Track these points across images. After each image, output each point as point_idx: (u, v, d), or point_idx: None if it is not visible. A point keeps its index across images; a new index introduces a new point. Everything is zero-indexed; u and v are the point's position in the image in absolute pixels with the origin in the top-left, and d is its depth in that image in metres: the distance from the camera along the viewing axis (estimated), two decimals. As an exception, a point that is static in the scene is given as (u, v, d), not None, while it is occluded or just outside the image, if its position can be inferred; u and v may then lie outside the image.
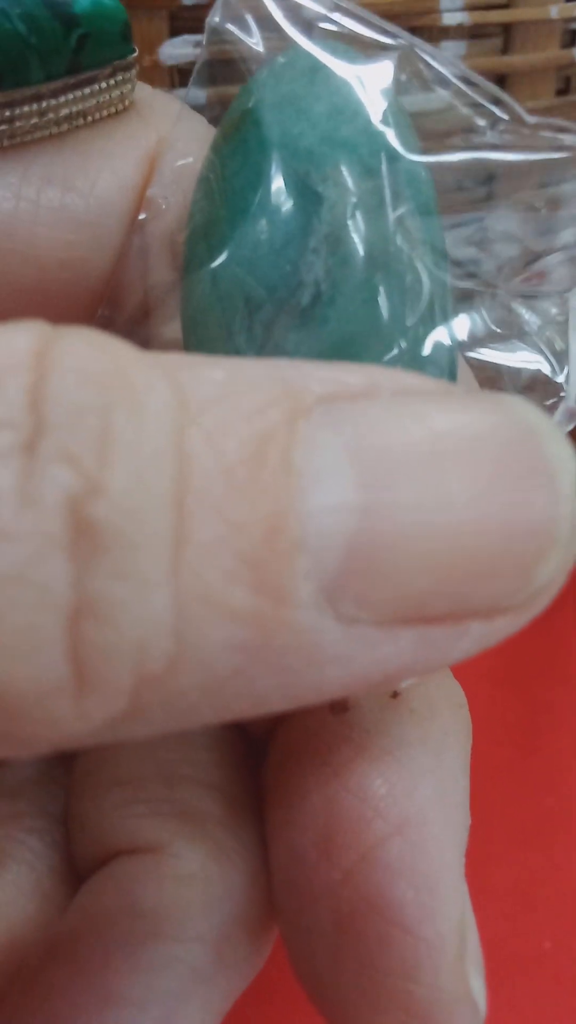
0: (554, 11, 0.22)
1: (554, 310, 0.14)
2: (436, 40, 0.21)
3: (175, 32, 0.19)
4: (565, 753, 0.31)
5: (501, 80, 0.22)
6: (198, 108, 0.16)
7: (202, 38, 0.19)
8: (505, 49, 0.22)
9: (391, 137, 0.13)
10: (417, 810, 0.13)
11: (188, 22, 0.19)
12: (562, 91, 0.23)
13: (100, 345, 0.10)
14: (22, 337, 0.09)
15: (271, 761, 0.16)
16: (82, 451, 0.09)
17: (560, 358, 0.14)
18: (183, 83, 0.20)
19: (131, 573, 0.09)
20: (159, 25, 0.19)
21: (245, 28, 0.14)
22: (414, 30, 0.21)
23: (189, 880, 0.15)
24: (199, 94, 0.16)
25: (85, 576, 0.09)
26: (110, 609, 0.09)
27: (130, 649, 0.09)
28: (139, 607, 0.09)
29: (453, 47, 0.21)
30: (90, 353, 0.10)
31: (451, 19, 0.21)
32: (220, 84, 0.15)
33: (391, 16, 0.20)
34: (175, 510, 0.09)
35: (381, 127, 0.13)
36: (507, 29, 0.22)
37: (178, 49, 0.20)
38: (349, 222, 0.12)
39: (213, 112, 0.16)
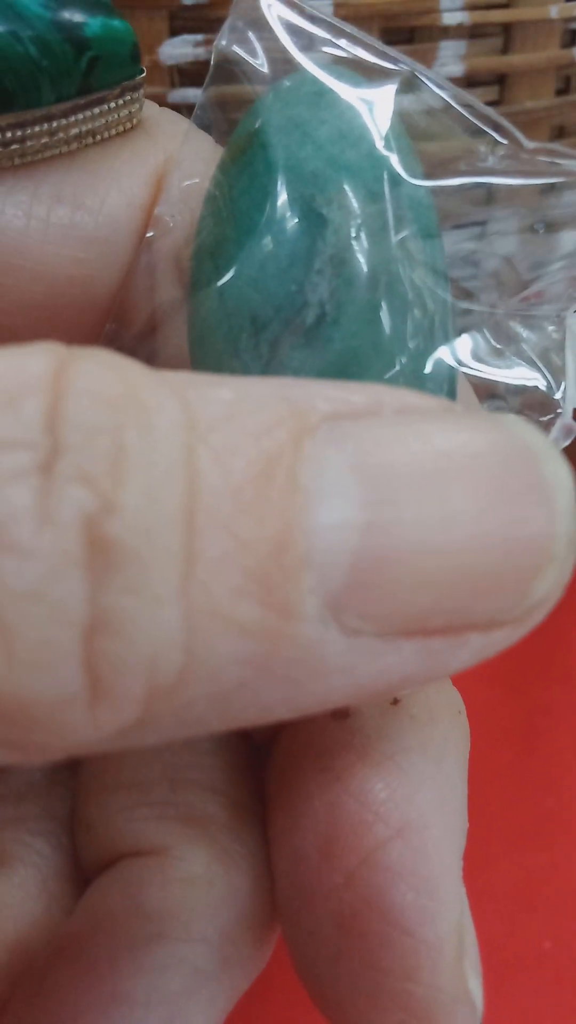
0: (554, 11, 0.22)
1: (551, 328, 0.14)
2: (436, 40, 0.21)
3: (175, 32, 0.20)
4: (565, 754, 0.31)
5: (501, 80, 0.22)
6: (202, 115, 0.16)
7: (202, 38, 0.19)
8: (505, 49, 0.22)
9: (394, 162, 0.13)
10: (417, 814, 0.14)
11: (188, 22, 0.20)
12: (562, 91, 0.23)
13: (112, 366, 0.10)
14: (38, 360, 0.10)
15: (274, 766, 0.16)
16: (97, 471, 0.09)
17: (557, 376, 0.14)
18: (183, 83, 0.20)
19: (143, 589, 0.09)
20: (159, 25, 0.20)
21: (251, 51, 0.15)
22: (414, 30, 0.21)
23: (193, 882, 0.15)
24: (204, 112, 0.16)
25: (100, 592, 0.09)
26: (123, 624, 0.09)
27: (142, 662, 0.09)
28: (151, 622, 0.09)
29: (453, 47, 0.21)
30: (103, 374, 0.10)
31: (451, 19, 0.21)
32: (228, 109, 0.15)
33: (391, 16, 0.20)
34: (185, 528, 0.09)
35: (384, 152, 0.13)
36: (507, 29, 0.22)
37: (178, 49, 0.20)
38: (353, 244, 0.13)
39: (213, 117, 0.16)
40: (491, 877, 0.28)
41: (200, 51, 0.20)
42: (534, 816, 0.29)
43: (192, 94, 0.20)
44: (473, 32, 0.22)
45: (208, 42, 0.20)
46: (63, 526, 0.09)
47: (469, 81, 0.22)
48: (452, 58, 0.21)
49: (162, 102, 0.20)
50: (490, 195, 0.14)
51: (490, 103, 0.22)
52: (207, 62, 0.19)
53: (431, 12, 0.21)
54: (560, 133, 0.24)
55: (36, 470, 0.09)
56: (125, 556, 0.09)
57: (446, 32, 0.21)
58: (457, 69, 0.22)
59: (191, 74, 0.20)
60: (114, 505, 0.09)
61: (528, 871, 0.28)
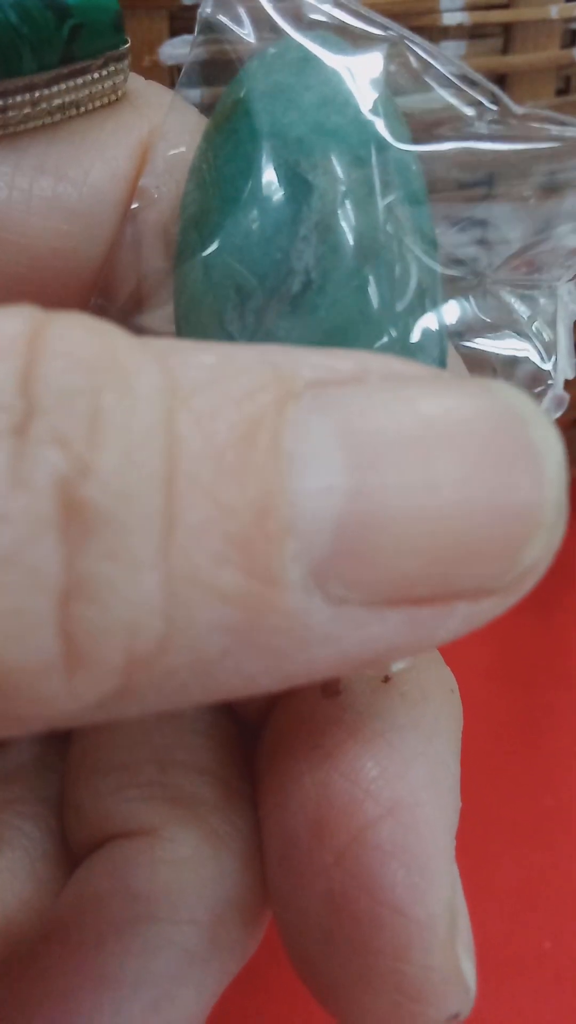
0: (554, 11, 0.22)
1: (543, 300, 0.14)
2: (436, 40, 0.21)
3: (175, 32, 0.20)
4: (565, 753, 0.31)
5: (501, 80, 0.22)
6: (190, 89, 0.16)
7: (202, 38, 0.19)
8: (505, 49, 0.22)
9: (380, 127, 0.13)
10: (408, 792, 0.14)
11: (188, 22, 0.19)
12: (562, 91, 0.23)
13: (91, 329, 0.10)
14: (13, 322, 0.10)
15: (264, 745, 0.16)
16: (72, 433, 0.09)
17: (548, 347, 0.14)
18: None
19: (121, 554, 0.09)
20: (159, 25, 0.20)
21: (236, 19, 0.15)
22: (414, 30, 0.20)
23: (182, 863, 0.15)
24: (193, 90, 0.16)
25: (76, 557, 0.09)
26: (101, 590, 0.09)
27: (120, 629, 0.09)
28: (129, 588, 0.09)
29: (453, 47, 0.21)
30: (81, 337, 0.10)
31: (451, 19, 0.21)
32: (213, 82, 0.15)
33: (391, 16, 0.20)
34: (165, 492, 0.09)
35: (371, 117, 0.13)
36: (507, 29, 0.22)
37: (178, 49, 0.20)
38: (339, 210, 0.13)
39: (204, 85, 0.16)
40: (491, 877, 0.28)
41: (200, 51, 0.20)
42: (534, 815, 0.29)
43: (192, 94, 0.20)
44: (473, 32, 0.21)
45: (208, 42, 0.20)
46: (37, 489, 0.09)
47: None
48: (452, 58, 0.21)
49: None
50: (479, 162, 0.14)
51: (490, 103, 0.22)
52: (207, 62, 0.19)
53: (431, 12, 0.21)
54: None
55: (9, 432, 0.09)
56: (101, 520, 0.09)
57: (446, 32, 0.21)
58: None
59: (191, 74, 0.20)
60: (90, 467, 0.09)
61: (528, 871, 0.28)
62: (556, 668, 0.33)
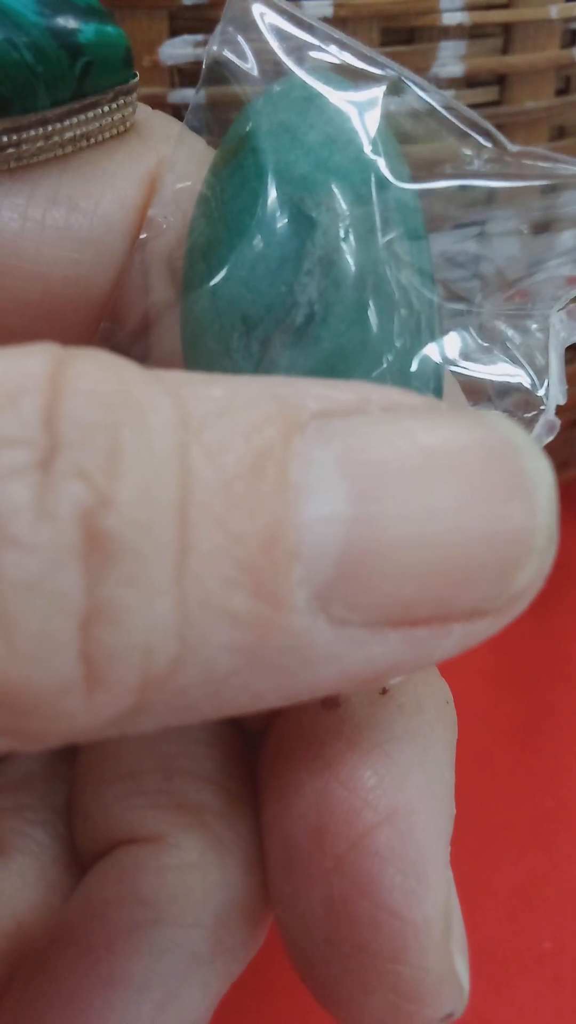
0: (554, 11, 0.22)
1: (535, 327, 0.14)
2: (436, 40, 0.21)
3: (175, 32, 0.20)
4: (565, 754, 0.31)
5: (501, 80, 0.22)
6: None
7: (202, 38, 0.19)
8: (505, 49, 0.22)
9: (381, 165, 0.14)
10: (405, 800, 0.14)
11: (188, 22, 0.20)
12: (562, 91, 0.23)
13: (108, 366, 0.10)
14: (36, 360, 0.10)
15: (266, 755, 0.16)
16: (93, 467, 0.10)
17: (541, 373, 0.15)
18: (183, 83, 0.20)
19: (138, 580, 0.10)
20: (159, 25, 0.20)
21: (242, 56, 0.15)
22: (414, 30, 0.21)
23: (188, 869, 0.15)
24: (198, 113, 0.17)
25: (96, 583, 0.09)
26: (119, 614, 0.10)
27: (137, 651, 0.10)
28: (146, 612, 0.10)
29: (453, 47, 0.21)
30: (99, 374, 0.10)
31: (451, 19, 0.21)
32: (220, 116, 0.16)
33: (391, 16, 0.20)
34: (179, 521, 0.10)
35: (372, 156, 0.14)
36: (507, 29, 0.22)
37: (178, 49, 0.20)
38: (341, 246, 0.13)
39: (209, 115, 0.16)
40: (491, 877, 0.28)
41: (200, 51, 0.20)
42: (534, 816, 0.30)
43: (192, 94, 0.20)
44: (473, 32, 0.22)
45: (208, 42, 0.20)
46: (61, 520, 0.09)
47: (469, 81, 0.22)
48: (452, 58, 0.22)
49: (162, 102, 0.20)
50: (475, 199, 0.14)
51: (490, 103, 0.22)
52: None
53: (431, 12, 0.21)
54: (560, 133, 0.24)
55: (35, 466, 0.09)
56: (121, 548, 0.10)
57: (446, 32, 0.21)
58: (457, 69, 0.22)
59: (191, 74, 0.20)
60: (110, 499, 0.10)
61: (528, 871, 0.28)
62: (556, 668, 0.34)
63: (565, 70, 0.23)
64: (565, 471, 0.34)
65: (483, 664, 0.33)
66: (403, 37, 0.21)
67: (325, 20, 0.20)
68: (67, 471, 0.10)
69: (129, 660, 0.10)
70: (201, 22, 0.20)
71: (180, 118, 0.20)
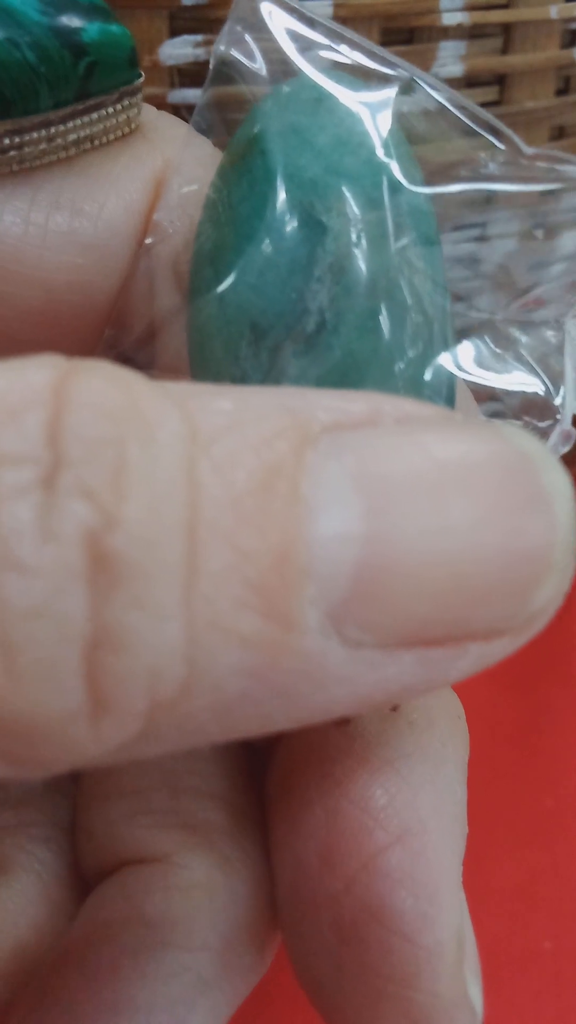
0: (554, 11, 0.22)
1: (550, 333, 0.14)
2: (436, 40, 0.21)
3: (175, 32, 0.20)
4: (565, 754, 0.31)
5: (501, 80, 0.22)
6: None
7: (202, 38, 0.19)
8: (505, 49, 0.22)
9: (394, 168, 0.13)
10: (417, 820, 0.14)
11: (188, 22, 0.20)
12: (562, 91, 0.23)
13: (113, 379, 0.10)
14: (39, 372, 0.10)
15: (274, 771, 0.16)
16: (99, 485, 0.09)
17: (556, 381, 0.14)
18: (183, 83, 0.20)
19: (146, 603, 0.09)
20: (159, 25, 0.20)
21: (249, 55, 0.15)
22: (414, 30, 0.21)
23: (195, 889, 0.15)
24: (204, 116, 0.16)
25: (102, 607, 0.09)
26: (126, 638, 0.09)
27: (145, 675, 0.09)
28: (154, 635, 0.09)
29: (453, 47, 0.21)
30: (104, 387, 0.10)
31: (451, 19, 0.21)
32: (227, 116, 0.15)
33: (391, 16, 0.20)
34: (187, 540, 0.09)
35: (384, 158, 0.13)
36: (507, 29, 0.22)
37: (178, 49, 0.20)
38: (353, 252, 0.13)
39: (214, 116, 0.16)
40: (491, 877, 0.28)
41: (200, 51, 0.20)
42: (534, 816, 0.29)
43: (192, 94, 0.20)
44: (473, 32, 0.21)
45: (208, 42, 0.20)
46: (65, 541, 0.09)
47: (469, 81, 0.22)
48: (452, 58, 0.21)
49: (162, 102, 0.20)
50: (488, 199, 0.14)
51: (490, 103, 0.22)
52: (207, 62, 0.19)
53: (431, 12, 0.21)
54: (560, 133, 0.24)
55: (38, 485, 0.09)
56: (127, 570, 0.09)
57: (446, 32, 0.21)
58: (457, 69, 0.22)
59: (191, 74, 0.20)
60: (116, 519, 0.09)
61: (528, 871, 0.28)
62: (556, 668, 0.33)
63: (565, 70, 0.23)
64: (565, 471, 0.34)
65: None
66: (403, 37, 0.21)
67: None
68: (71, 489, 0.09)
69: (136, 685, 0.09)
70: (201, 22, 0.20)
71: (180, 118, 0.20)
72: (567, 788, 0.30)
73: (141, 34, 0.19)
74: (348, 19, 0.20)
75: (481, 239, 0.15)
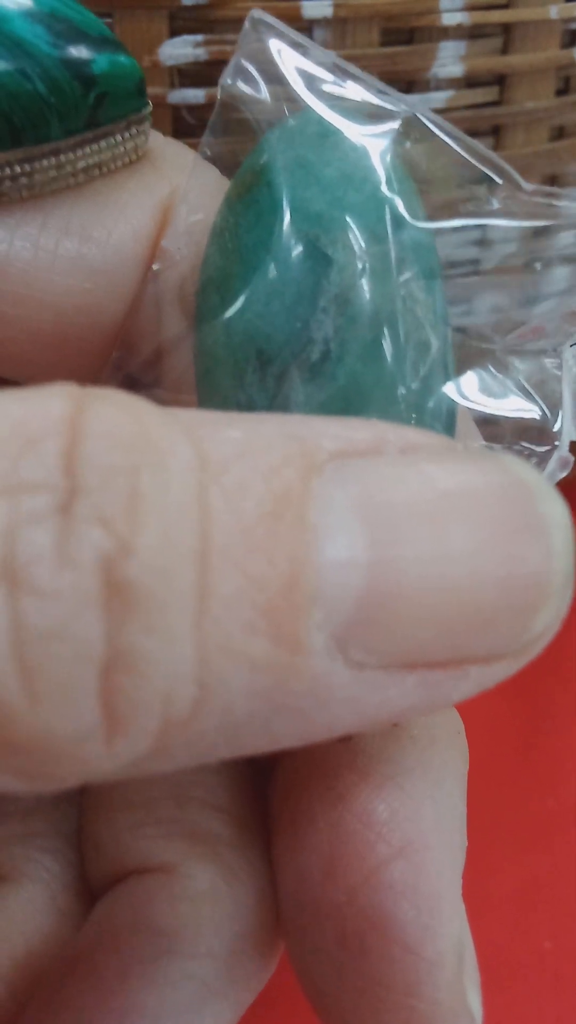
0: (554, 11, 0.22)
1: (548, 362, 0.15)
2: (436, 40, 0.21)
3: (175, 32, 0.20)
4: (565, 754, 0.31)
5: (501, 80, 0.22)
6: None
7: (202, 38, 0.19)
8: (505, 49, 0.22)
9: (397, 204, 0.14)
10: (418, 834, 0.14)
11: (188, 22, 0.20)
12: (562, 91, 0.23)
13: (125, 407, 0.10)
14: (54, 403, 0.10)
15: (278, 785, 0.16)
16: (113, 513, 0.10)
17: (554, 408, 0.15)
18: (183, 83, 0.20)
19: (159, 627, 0.10)
20: (159, 25, 0.20)
21: (256, 88, 0.15)
22: (414, 30, 0.21)
23: (200, 899, 0.16)
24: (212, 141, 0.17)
25: (117, 631, 0.09)
26: (140, 661, 0.10)
27: (157, 697, 0.10)
28: (166, 658, 0.10)
29: (453, 47, 0.21)
30: (117, 416, 0.10)
31: (451, 19, 0.21)
32: (234, 141, 0.16)
33: (391, 16, 0.20)
34: (199, 567, 0.10)
35: (387, 193, 0.14)
36: (507, 29, 0.22)
37: (178, 49, 0.20)
38: (357, 284, 0.13)
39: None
40: (492, 878, 0.28)
41: (200, 51, 0.20)
42: (535, 817, 0.29)
43: (192, 94, 0.20)
44: (473, 32, 0.21)
45: (208, 42, 0.20)
46: (82, 567, 0.09)
47: (469, 81, 0.22)
48: (452, 58, 0.21)
49: (162, 102, 0.20)
50: (485, 235, 0.14)
51: (490, 103, 0.22)
52: (207, 62, 0.19)
53: (431, 12, 0.21)
54: (560, 133, 0.24)
55: (55, 512, 0.10)
56: (141, 596, 0.10)
57: (446, 32, 0.21)
58: (457, 69, 0.22)
59: (191, 74, 0.20)
60: (130, 546, 0.10)
61: (528, 872, 0.28)
62: (556, 668, 0.34)
63: (565, 70, 0.23)
64: (565, 471, 0.34)
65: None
66: (403, 37, 0.21)
67: (325, 20, 0.20)
68: (88, 516, 0.10)
69: (149, 706, 0.10)
70: (201, 22, 0.20)
71: (180, 118, 0.20)
72: (568, 790, 0.30)
73: (141, 34, 0.20)
74: (348, 19, 0.20)
75: (486, 275, 0.15)
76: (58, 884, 0.17)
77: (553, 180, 0.24)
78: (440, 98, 0.22)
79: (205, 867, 0.16)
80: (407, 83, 0.21)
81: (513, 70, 0.22)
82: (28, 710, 0.09)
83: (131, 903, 0.16)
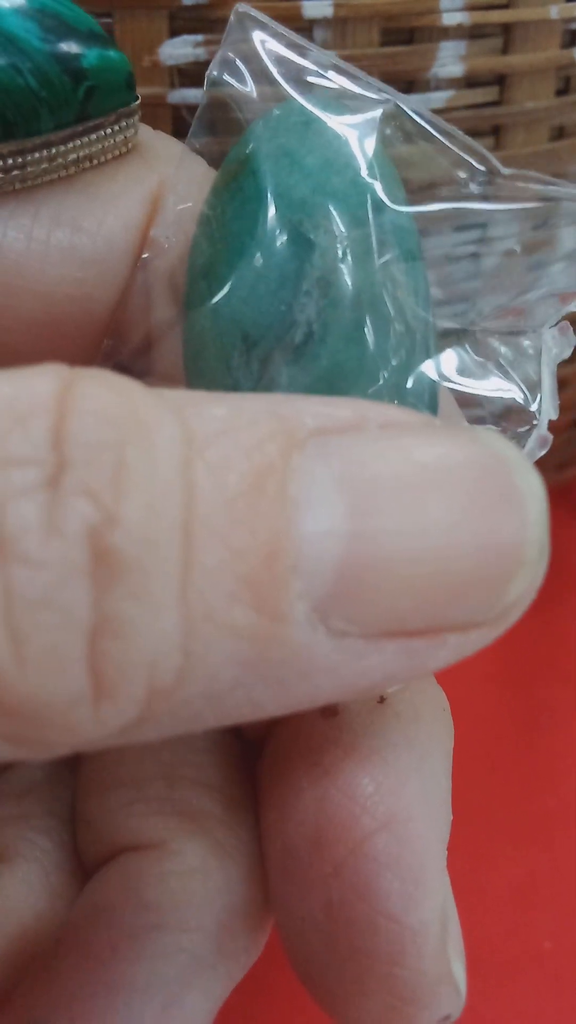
0: (554, 11, 0.22)
1: (527, 343, 0.15)
2: (436, 40, 0.21)
3: (175, 32, 0.20)
4: (565, 753, 0.31)
5: (501, 80, 0.22)
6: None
7: (202, 38, 0.20)
8: (505, 49, 0.22)
9: (378, 189, 0.14)
10: (403, 807, 0.14)
11: (188, 22, 0.20)
12: (562, 91, 0.23)
13: (113, 386, 0.11)
14: (44, 381, 0.11)
15: (266, 762, 0.17)
16: (100, 485, 0.10)
17: (533, 389, 0.15)
18: (183, 83, 0.20)
19: (144, 595, 0.10)
20: (159, 25, 0.20)
21: (241, 80, 0.15)
22: (414, 30, 0.21)
23: (190, 874, 0.16)
24: (200, 134, 0.17)
25: (104, 598, 0.10)
26: (126, 627, 0.10)
27: (144, 663, 0.10)
28: (151, 626, 0.10)
29: (453, 47, 0.21)
30: (105, 394, 0.11)
31: (451, 19, 0.21)
32: (220, 133, 0.16)
33: (391, 16, 0.20)
34: (183, 538, 0.10)
35: (368, 179, 0.14)
36: (507, 29, 0.22)
37: (178, 49, 0.20)
38: (339, 267, 0.14)
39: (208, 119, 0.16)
40: (491, 877, 0.28)
41: (200, 51, 0.20)
42: (535, 816, 0.30)
43: (192, 94, 0.20)
44: (473, 32, 0.22)
45: (208, 42, 0.20)
46: (69, 537, 0.10)
47: (469, 81, 0.22)
48: (452, 58, 0.21)
49: (162, 102, 0.20)
50: (470, 221, 0.15)
51: (490, 103, 0.22)
52: (207, 62, 0.19)
53: (431, 12, 0.21)
54: (560, 133, 0.24)
55: (43, 485, 0.10)
56: (127, 565, 0.10)
57: (446, 32, 0.21)
58: (457, 69, 0.22)
59: (191, 74, 0.20)
60: (116, 517, 0.10)
61: (528, 871, 0.28)
62: (556, 668, 0.34)
63: (565, 70, 0.23)
64: (565, 471, 0.34)
65: (483, 664, 0.34)
66: (403, 37, 0.21)
67: (325, 20, 0.20)
68: (74, 489, 0.10)
69: (135, 672, 0.10)
70: (201, 22, 0.20)
71: (180, 118, 0.20)
72: (568, 787, 0.30)
73: (141, 34, 0.20)
74: (348, 19, 0.20)
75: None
76: (52, 863, 0.17)
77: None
78: (440, 98, 0.22)
79: (195, 844, 0.16)
80: (407, 83, 0.21)
81: (513, 70, 0.22)
82: (18, 674, 0.10)
83: (122, 879, 0.16)
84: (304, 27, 0.20)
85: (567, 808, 0.30)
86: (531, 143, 0.23)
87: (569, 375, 0.29)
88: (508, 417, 0.15)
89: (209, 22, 0.20)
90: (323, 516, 0.11)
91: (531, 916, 0.27)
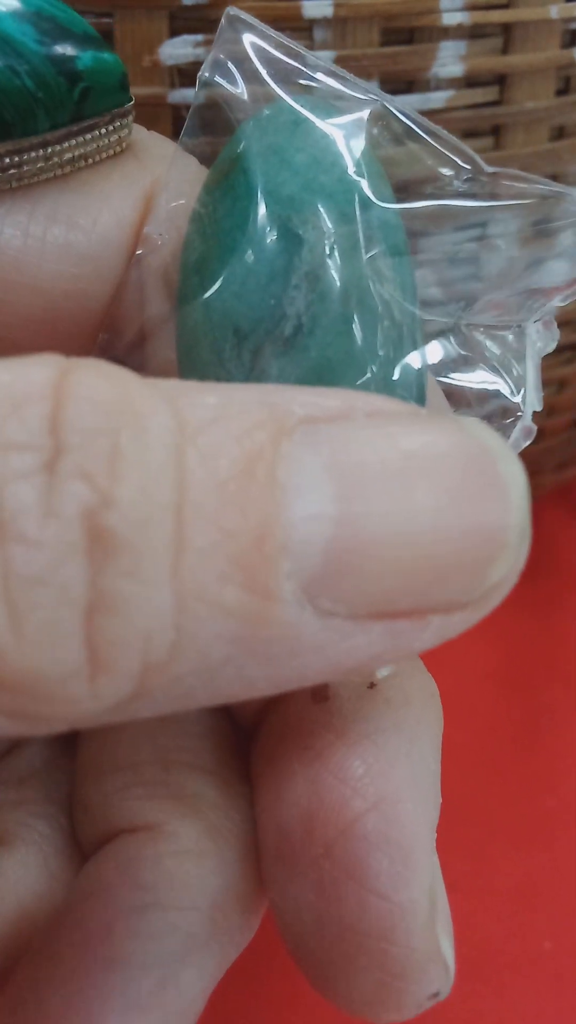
0: (554, 11, 0.22)
1: (511, 337, 0.15)
2: (436, 40, 0.21)
3: (175, 32, 0.20)
4: (566, 753, 0.31)
5: (501, 80, 0.22)
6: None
7: (202, 38, 0.20)
8: (505, 49, 0.22)
9: (365, 186, 0.14)
10: (392, 788, 0.15)
11: (188, 22, 0.20)
12: (562, 91, 0.23)
13: (108, 375, 0.11)
14: (40, 369, 0.11)
15: (259, 746, 0.17)
16: (95, 469, 0.10)
17: (518, 382, 0.15)
18: (183, 83, 0.21)
19: (138, 573, 0.10)
20: (159, 25, 0.20)
21: (232, 81, 0.16)
22: (414, 30, 0.21)
23: (185, 855, 0.16)
24: (194, 134, 0.17)
25: (99, 576, 0.10)
26: (121, 603, 0.10)
27: (138, 639, 0.10)
28: (146, 602, 0.10)
29: (453, 47, 0.21)
30: (100, 383, 0.11)
31: (451, 19, 0.21)
32: (212, 133, 0.16)
33: (391, 16, 0.20)
34: (175, 520, 0.11)
35: (356, 177, 0.14)
36: (507, 29, 0.22)
37: (178, 49, 0.20)
38: (327, 262, 0.14)
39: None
40: (492, 876, 0.28)
41: (200, 51, 0.20)
42: (535, 816, 0.30)
43: (192, 94, 0.20)
44: (473, 32, 0.22)
45: (208, 42, 0.20)
46: (65, 518, 0.10)
47: (469, 81, 0.22)
48: (452, 58, 0.22)
49: (162, 102, 0.21)
50: (455, 218, 0.15)
51: (490, 103, 0.23)
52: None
53: (431, 12, 0.21)
54: (560, 133, 0.24)
55: (40, 469, 0.10)
56: (121, 544, 0.10)
57: (446, 32, 0.21)
58: (457, 69, 0.22)
59: (191, 74, 0.21)
60: (111, 499, 0.10)
61: (528, 871, 0.28)
62: (556, 668, 0.34)
63: (565, 70, 0.23)
64: (565, 471, 0.35)
65: (483, 664, 0.34)
66: (403, 37, 0.21)
67: (325, 20, 0.20)
68: (70, 473, 0.10)
69: (130, 647, 0.10)
70: (201, 22, 0.20)
71: (180, 118, 0.21)
72: (568, 788, 0.30)
73: (141, 34, 0.20)
74: (348, 19, 0.20)
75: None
76: (50, 847, 0.18)
77: (553, 180, 0.24)
78: (440, 98, 0.22)
79: (190, 826, 0.16)
80: (407, 83, 0.22)
81: (513, 70, 0.22)
82: (16, 649, 0.10)
83: (118, 860, 0.16)
84: (304, 27, 0.20)
85: (567, 808, 0.30)
86: (531, 143, 0.24)
87: (569, 375, 0.29)
88: (493, 408, 0.15)
89: (209, 22, 0.20)
90: (312, 500, 0.11)
91: (531, 916, 0.27)
